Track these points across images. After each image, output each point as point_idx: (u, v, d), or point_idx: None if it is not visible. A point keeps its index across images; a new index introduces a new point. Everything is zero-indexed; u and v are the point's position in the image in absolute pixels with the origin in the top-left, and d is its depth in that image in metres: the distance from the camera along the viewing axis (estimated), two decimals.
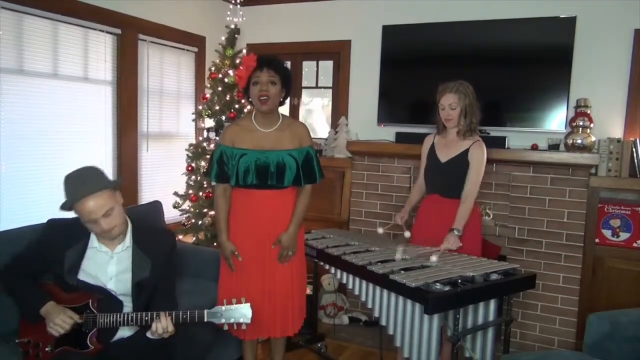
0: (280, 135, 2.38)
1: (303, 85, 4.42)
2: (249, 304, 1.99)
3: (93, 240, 2.00)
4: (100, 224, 1.88)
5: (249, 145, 2.34)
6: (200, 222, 3.68)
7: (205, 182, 3.70)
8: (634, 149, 3.15)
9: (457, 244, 2.52)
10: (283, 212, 2.40)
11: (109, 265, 2.00)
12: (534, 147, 3.35)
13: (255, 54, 2.34)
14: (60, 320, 1.85)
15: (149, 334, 1.92)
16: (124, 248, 2.02)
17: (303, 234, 2.56)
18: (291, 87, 2.45)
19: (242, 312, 1.98)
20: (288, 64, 3.29)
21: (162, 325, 1.88)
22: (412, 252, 2.50)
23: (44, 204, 3.00)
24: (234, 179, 2.33)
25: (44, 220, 2.09)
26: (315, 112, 4.51)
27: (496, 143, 3.27)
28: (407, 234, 2.75)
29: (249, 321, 1.98)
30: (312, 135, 2.54)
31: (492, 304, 2.21)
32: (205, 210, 3.69)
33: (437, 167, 2.70)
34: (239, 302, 1.99)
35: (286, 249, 2.38)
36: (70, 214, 1.93)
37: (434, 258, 2.37)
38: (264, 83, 2.29)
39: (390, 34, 3.75)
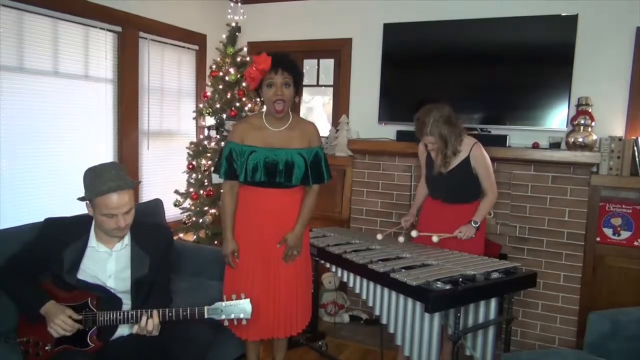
0: (290, 134, 2.36)
1: (304, 83, 4.40)
2: (248, 300, 2.00)
3: (92, 240, 2.00)
4: (120, 220, 1.91)
5: (258, 143, 2.33)
6: (201, 220, 3.68)
7: (205, 180, 3.70)
8: (635, 148, 3.14)
9: (469, 235, 2.56)
10: (290, 211, 2.39)
11: (107, 263, 2.00)
12: (535, 146, 3.35)
13: (267, 54, 2.25)
14: (60, 320, 1.84)
15: (134, 330, 1.91)
16: (123, 246, 2.03)
17: (308, 234, 2.55)
18: (302, 85, 2.43)
19: (242, 307, 1.98)
20: None
21: (155, 323, 1.88)
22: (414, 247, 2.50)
23: (44, 202, 3.00)
24: (242, 176, 2.32)
25: (43, 219, 2.08)
26: (316, 110, 4.51)
27: (497, 141, 3.27)
28: (414, 233, 2.69)
29: (249, 316, 1.99)
30: None
31: (493, 302, 2.21)
32: (206, 208, 3.69)
33: (438, 177, 2.69)
34: (238, 297, 2.00)
35: (291, 248, 2.37)
36: (68, 213, 1.93)
37: (435, 239, 2.53)
38: (278, 86, 2.25)
39: (392, 32, 3.75)
